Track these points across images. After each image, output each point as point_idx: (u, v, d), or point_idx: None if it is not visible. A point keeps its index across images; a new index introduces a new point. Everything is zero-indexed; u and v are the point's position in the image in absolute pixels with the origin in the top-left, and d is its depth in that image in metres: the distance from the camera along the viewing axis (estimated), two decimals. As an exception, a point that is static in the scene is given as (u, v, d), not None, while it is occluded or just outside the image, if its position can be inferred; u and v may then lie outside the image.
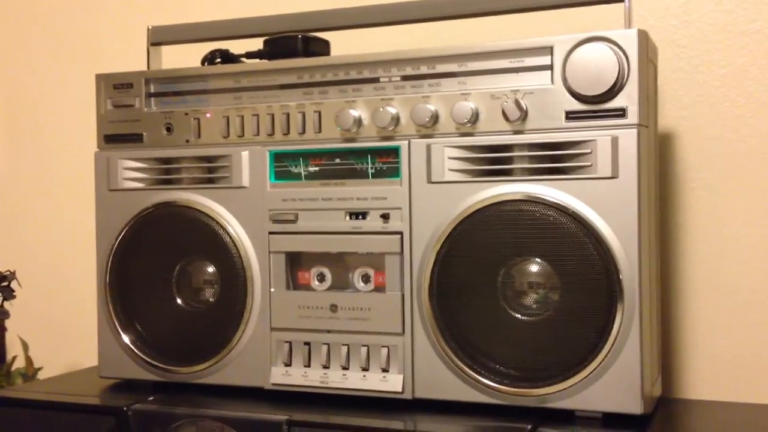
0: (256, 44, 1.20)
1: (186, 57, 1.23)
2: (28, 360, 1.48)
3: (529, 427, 0.94)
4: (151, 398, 1.11)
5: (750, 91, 1.19)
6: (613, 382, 0.95)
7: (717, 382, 1.19)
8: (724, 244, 1.20)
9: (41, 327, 1.62)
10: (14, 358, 1.48)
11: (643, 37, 0.96)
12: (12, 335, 1.53)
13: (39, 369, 1.49)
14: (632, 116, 0.95)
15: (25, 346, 1.50)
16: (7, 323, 1.50)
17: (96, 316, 1.20)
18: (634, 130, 0.95)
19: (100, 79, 1.19)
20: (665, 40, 1.20)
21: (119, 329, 1.17)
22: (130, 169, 1.18)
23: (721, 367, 1.19)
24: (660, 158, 1.16)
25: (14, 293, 1.45)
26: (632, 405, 0.95)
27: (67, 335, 1.62)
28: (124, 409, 1.08)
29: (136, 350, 1.17)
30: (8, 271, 1.46)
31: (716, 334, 1.20)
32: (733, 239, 1.20)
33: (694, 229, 1.21)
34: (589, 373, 0.96)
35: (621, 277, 0.95)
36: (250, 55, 1.20)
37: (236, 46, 1.22)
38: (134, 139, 1.18)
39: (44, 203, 1.67)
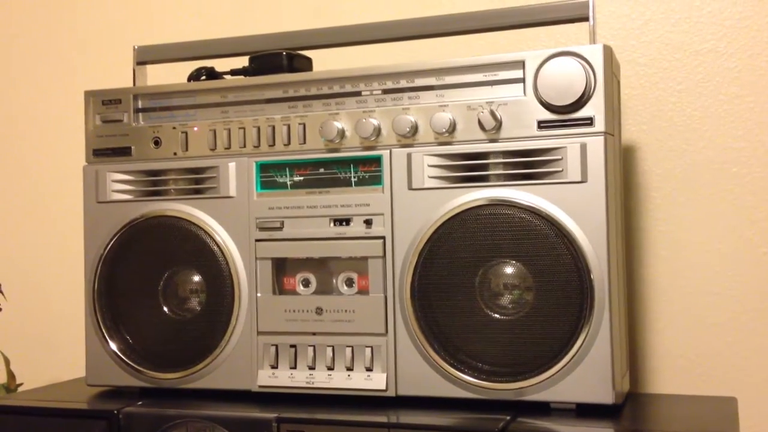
0: (239, 63, 1.25)
1: (170, 73, 1.27)
2: (10, 374, 1.49)
3: (508, 418, 0.99)
4: (140, 402, 1.14)
5: (705, 106, 1.27)
6: (585, 375, 1.01)
7: (679, 378, 1.25)
8: (684, 250, 1.27)
9: (23, 342, 1.63)
10: (-5, 372, 1.50)
11: (608, 52, 1.03)
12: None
13: (20, 384, 1.50)
14: (599, 125, 1.02)
15: (7, 361, 1.51)
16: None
17: (79, 331, 1.22)
18: (602, 138, 1.02)
19: (89, 95, 1.23)
20: (626, 58, 1.28)
21: (106, 337, 1.20)
22: (119, 182, 1.22)
23: (683, 364, 1.26)
24: (623, 169, 1.23)
25: (0, 307, 1.46)
26: (604, 395, 1.01)
27: (49, 351, 1.63)
28: (115, 412, 1.10)
29: (123, 357, 1.19)
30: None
31: (678, 335, 1.27)
32: (692, 245, 1.27)
33: (655, 236, 1.28)
34: (563, 367, 1.01)
35: (592, 275, 1.01)
36: (234, 72, 1.24)
37: (219, 65, 1.27)
38: (123, 152, 1.21)
39: (28, 219, 1.69)
